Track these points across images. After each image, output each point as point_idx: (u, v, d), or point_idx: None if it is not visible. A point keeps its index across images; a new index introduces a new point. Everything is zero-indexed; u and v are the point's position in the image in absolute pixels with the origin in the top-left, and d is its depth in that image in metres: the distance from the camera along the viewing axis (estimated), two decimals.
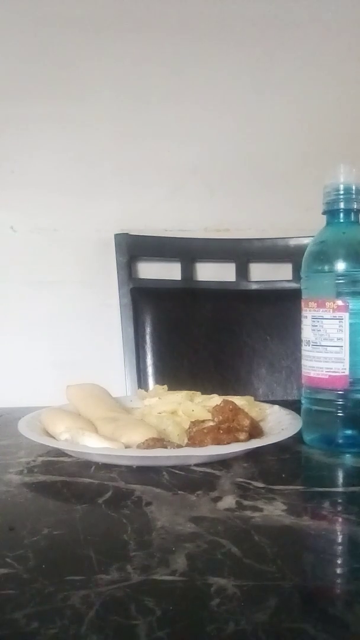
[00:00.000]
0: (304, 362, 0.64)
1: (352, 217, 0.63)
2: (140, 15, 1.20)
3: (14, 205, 1.19)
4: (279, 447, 0.60)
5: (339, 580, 0.38)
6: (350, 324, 0.60)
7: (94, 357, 1.19)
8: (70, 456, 0.59)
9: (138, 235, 1.19)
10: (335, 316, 0.60)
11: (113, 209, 1.21)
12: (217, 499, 0.48)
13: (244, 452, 0.59)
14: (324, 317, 0.61)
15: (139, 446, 0.58)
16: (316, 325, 0.62)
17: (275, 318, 1.16)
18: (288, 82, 1.24)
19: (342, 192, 0.63)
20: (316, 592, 0.35)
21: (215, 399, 0.66)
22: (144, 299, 1.17)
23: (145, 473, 0.54)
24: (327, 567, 0.39)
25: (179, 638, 0.30)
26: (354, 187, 0.63)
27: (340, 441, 0.62)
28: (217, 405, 0.64)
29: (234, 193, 1.24)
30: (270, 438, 0.60)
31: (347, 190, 0.63)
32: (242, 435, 0.59)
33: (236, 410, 0.62)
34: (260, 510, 0.45)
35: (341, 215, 0.63)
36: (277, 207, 1.24)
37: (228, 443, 0.58)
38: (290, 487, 0.51)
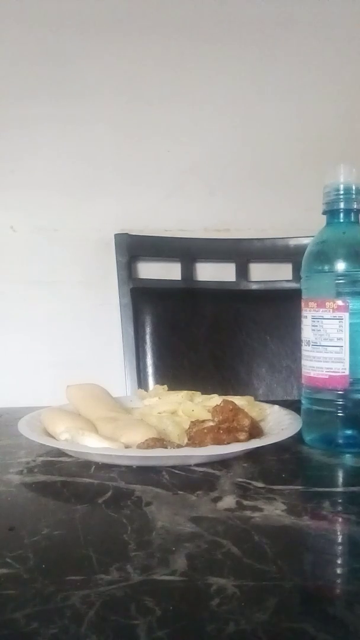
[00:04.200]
0: (304, 362, 0.64)
1: (352, 217, 0.63)
2: (140, 15, 1.20)
3: (14, 205, 1.19)
4: (279, 447, 0.60)
5: (339, 580, 0.38)
6: (350, 324, 0.60)
7: (94, 357, 1.19)
8: (70, 456, 0.59)
9: (138, 235, 1.19)
10: (335, 316, 0.60)
11: (113, 209, 1.21)
12: (217, 499, 0.48)
13: (244, 452, 0.59)
14: (324, 317, 0.61)
15: (139, 446, 0.58)
16: (316, 325, 0.62)
17: (275, 318, 1.16)
18: (288, 82, 1.24)
19: (342, 192, 0.63)
20: (316, 592, 0.35)
21: (215, 399, 0.66)
22: (144, 299, 1.17)
23: (145, 473, 0.54)
24: (327, 567, 0.39)
25: (179, 638, 0.30)
26: (354, 187, 0.63)
27: (340, 441, 0.62)
28: (217, 405, 0.64)
29: (234, 193, 1.24)
30: (270, 438, 0.60)
31: (347, 190, 0.63)
32: (242, 435, 0.59)
33: (236, 410, 0.62)
34: (260, 510, 0.45)
35: (341, 215, 0.63)
36: (277, 207, 1.24)
37: (228, 443, 0.58)
38: (290, 487, 0.51)
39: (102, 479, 0.53)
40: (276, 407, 0.71)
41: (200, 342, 1.16)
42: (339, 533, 0.44)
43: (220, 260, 1.23)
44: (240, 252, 1.21)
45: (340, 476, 0.58)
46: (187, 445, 0.60)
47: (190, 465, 0.56)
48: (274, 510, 0.45)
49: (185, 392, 0.70)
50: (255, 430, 0.62)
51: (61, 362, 1.17)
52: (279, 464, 0.58)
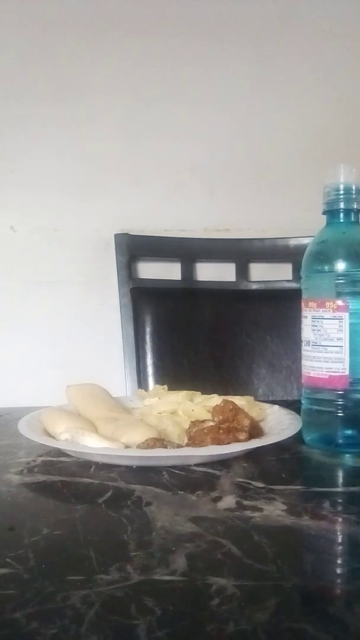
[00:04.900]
0: (304, 362, 0.64)
1: (352, 217, 0.63)
2: (140, 16, 1.20)
3: (14, 205, 1.19)
4: (279, 447, 0.60)
5: (339, 580, 0.38)
6: (350, 324, 0.60)
7: (94, 357, 1.19)
8: (70, 456, 0.59)
9: (138, 235, 1.19)
10: (335, 316, 0.60)
11: (113, 209, 1.21)
12: (217, 499, 0.48)
13: (244, 452, 0.59)
14: (324, 317, 0.61)
15: (139, 446, 0.58)
16: (316, 325, 0.62)
17: (275, 318, 1.16)
18: (288, 82, 1.24)
19: (342, 192, 0.63)
20: (316, 592, 0.35)
21: (215, 399, 0.66)
22: (144, 299, 1.17)
23: (145, 473, 0.54)
24: (327, 567, 0.39)
25: (179, 638, 0.30)
26: (354, 187, 0.63)
27: (340, 441, 0.62)
28: (217, 405, 0.64)
29: (234, 193, 1.24)
30: (270, 438, 0.60)
31: (347, 190, 0.63)
32: (242, 435, 0.59)
33: (236, 410, 0.62)
34: (260, 510, 0.45)
35: (341, 215, 0.63)
36: (277, 207, 1.24)
37: (228, 443, 0.58)
38: (290, 487, 0.51)
39: (102, 479, 0.53)
40: (276, 407, 0.71)
41: (200, 342, 1.16)
42: (339, 533, 0.44)
43: (220, 260, 1.23)
44: (240, 252, 1.21)
45: (340, 476, 0.58)
46: (187, 445, 0.60)
47: (190, 465, 0.56)
48: (274, 510, 0.45)
49: (185, 392, 0.70)
50: (255, 430, 0.62)
51: (61, 362, 1.17)
52: (279, 464, 0.58)
